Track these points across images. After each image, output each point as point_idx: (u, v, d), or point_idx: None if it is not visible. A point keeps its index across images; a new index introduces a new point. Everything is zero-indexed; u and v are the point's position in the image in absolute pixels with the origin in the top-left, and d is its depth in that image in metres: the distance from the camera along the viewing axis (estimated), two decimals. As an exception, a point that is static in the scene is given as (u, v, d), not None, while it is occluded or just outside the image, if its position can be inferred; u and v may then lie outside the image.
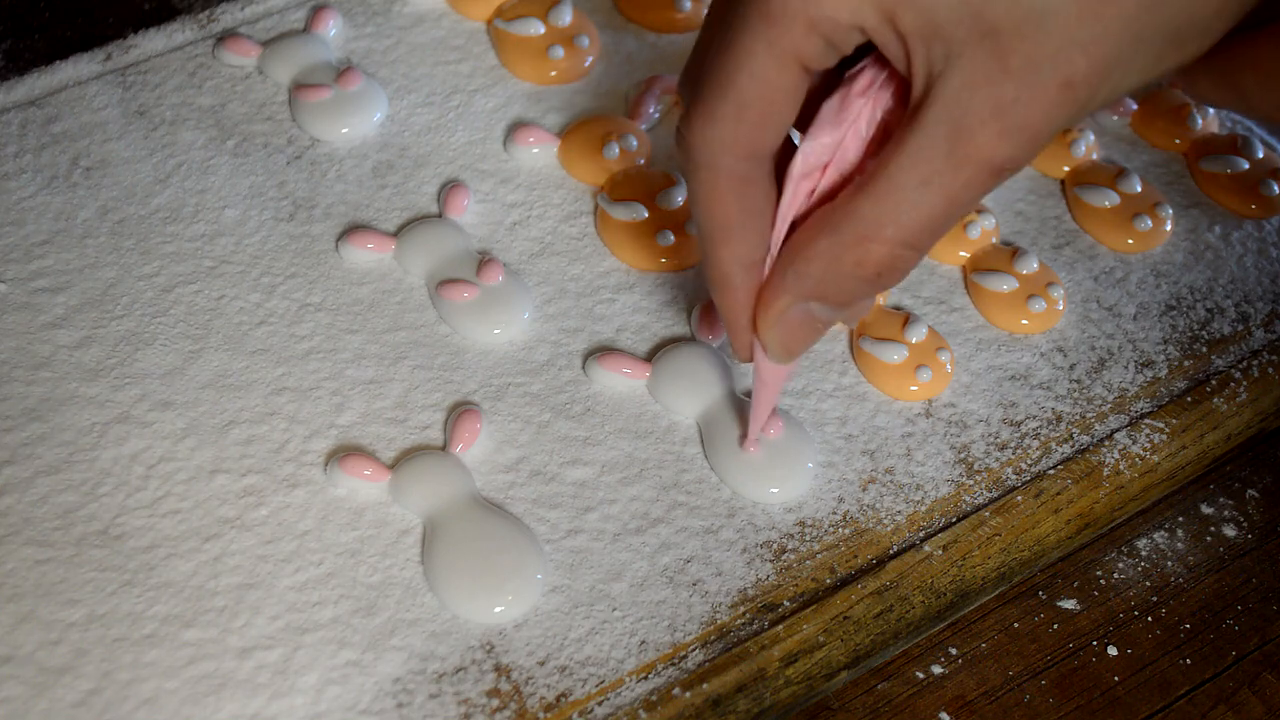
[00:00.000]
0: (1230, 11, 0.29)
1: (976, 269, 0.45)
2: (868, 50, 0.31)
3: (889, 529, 0.39)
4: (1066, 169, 0.48)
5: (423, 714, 0.35)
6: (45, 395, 0.40)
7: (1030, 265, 0.44)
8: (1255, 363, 0.43)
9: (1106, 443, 0.41)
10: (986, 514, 0.40)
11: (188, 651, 0.35)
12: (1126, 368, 0.43)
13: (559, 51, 0.49)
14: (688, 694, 0.36)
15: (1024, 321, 0.44)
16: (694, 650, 0.37)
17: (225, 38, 0.48)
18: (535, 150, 0.47)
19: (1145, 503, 0.42)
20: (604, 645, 0.36)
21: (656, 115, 0.48)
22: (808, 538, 0.39)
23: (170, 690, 0.35)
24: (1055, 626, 0.41)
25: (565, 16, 0.49)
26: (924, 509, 0.40)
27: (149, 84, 0.47)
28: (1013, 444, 0.41)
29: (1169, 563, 0.43)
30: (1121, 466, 0.41)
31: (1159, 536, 0.43)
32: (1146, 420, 0.42)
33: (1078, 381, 0.43)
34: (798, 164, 0.33)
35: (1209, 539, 0.43)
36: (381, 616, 0.36)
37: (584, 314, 0.43)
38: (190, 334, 0.41)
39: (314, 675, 0.35)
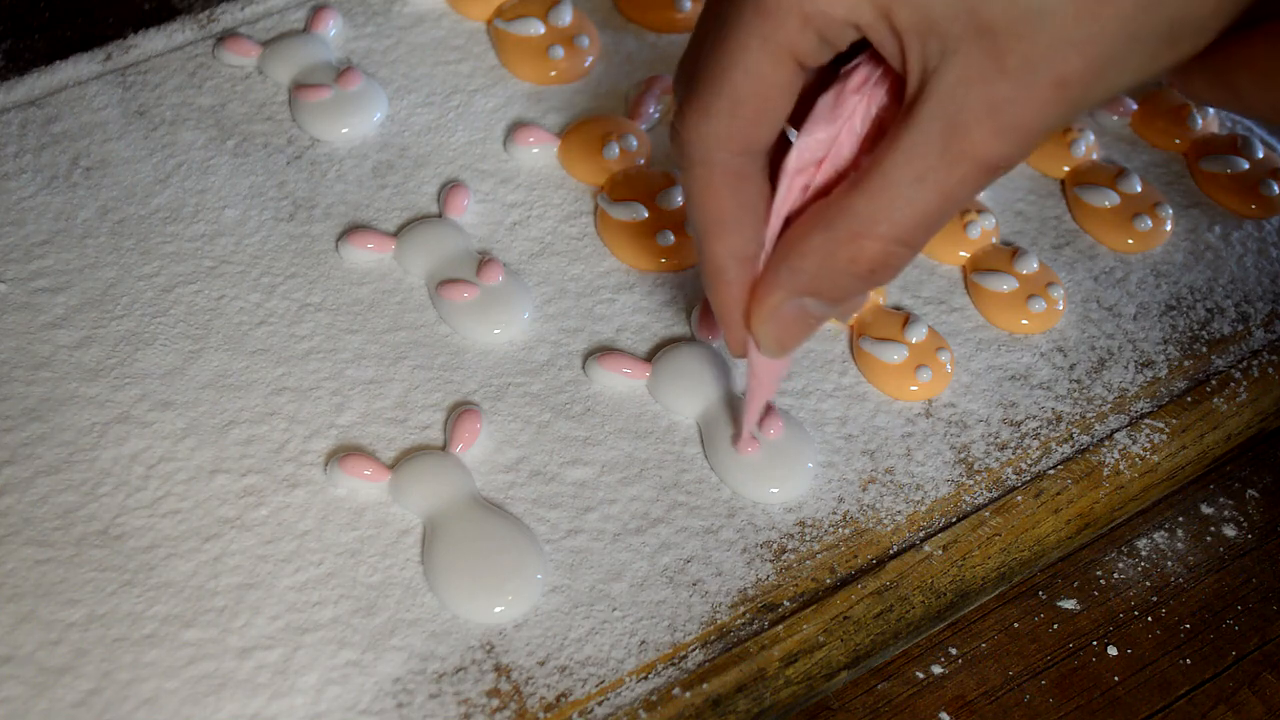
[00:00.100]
0: (1226, 11, 0.29)
1: (976, 269, 0.45)
2: (863, 46, 0.31)
3: (889, 529, 0.39)
4: (1066, 169, 0.48)
5: (423, 714, 0.35)
6: (45, 395, 0.40)
7: (1030, 265, 0.44)
8: (1255, 363, 0.43)
9: (1106, 443, 0.41)
10: (986, 514, 0.40)
11: (188, 651, 0.35)
12: (1126, 368, 0.43)
13: (559, 51, 0.49)
14: (688, 694, 0.36)
15: (1024, 321, 0.44)
16: (694, 650, 0.37)
17: (225, 38, 0.48)
18: (535, 150, 0.47)
19: (1145, 503, 0.42)
20: (604, 645, 0.36)
21: (656, 115, 0.48)
22: (808, 538, 0.39)
23: (170, 690, 0.35)
24: (1055, 626, 0.41)
25: (565, 16, 0.49)
26: (924, 509, 0.40)
27: (149, 84, 0.47)
28: (1013, 444, 0.41)
29: (1169, 563, 0.43)
30: (1121, 466, 0.41)
31: (1159, 536, 0.43)
32: (1146, 420, 0.42)
33: (1078, 381, 0.43)
34: (792, 159, 0.33)
35: (1209, 539, 0.43)
36: (381, 616, 0.36)
37: (584, 314, 0.43)
38: (190, 334, 0.41)
39: (314, 675, 0.35)
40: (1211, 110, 0.50)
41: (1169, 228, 0.46)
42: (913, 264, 0.45)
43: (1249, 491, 0.44)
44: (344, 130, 0.46)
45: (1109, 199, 0.46)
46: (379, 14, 0.50)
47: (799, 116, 0.33)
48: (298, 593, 0.37)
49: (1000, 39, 0.28)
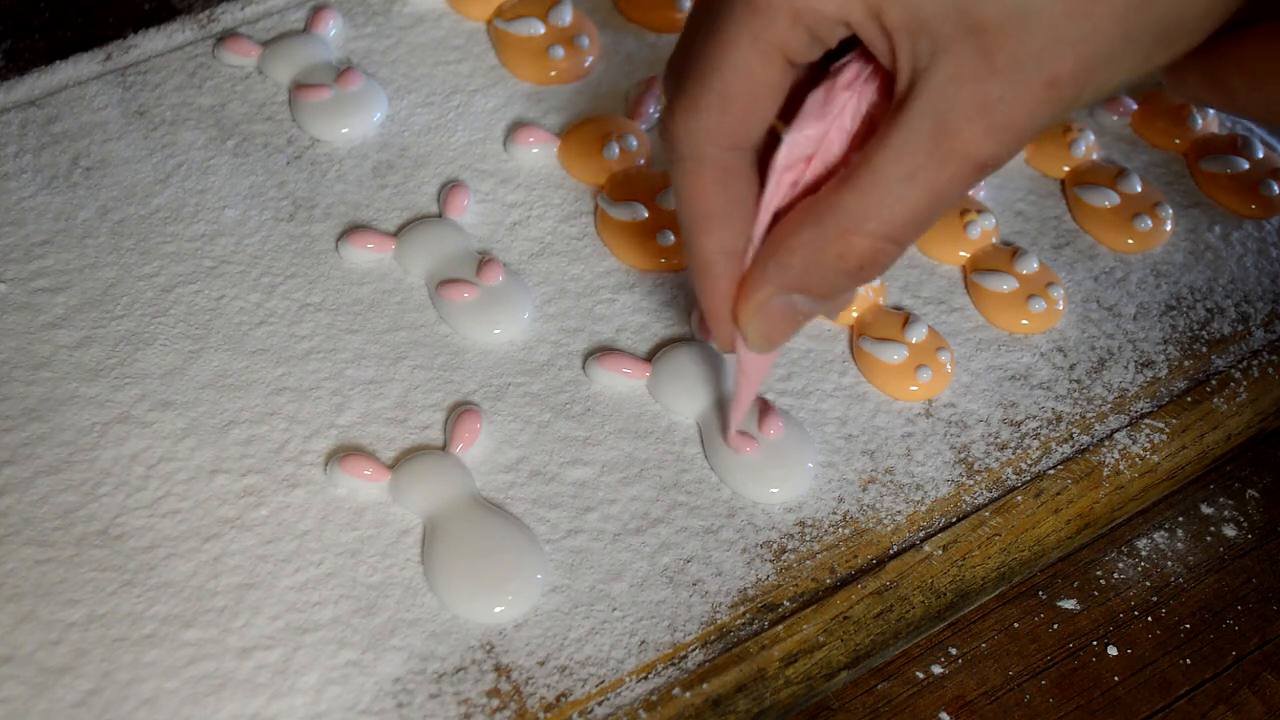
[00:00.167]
0: (1218, 11, 0.29)
1: (976, 269, 0.45)
2: (854, 43, 0.31)
3: (889, 529, 0.39)
4: (1066, 169, 0.48)
5: (423, 714, 0.35)
6: (45, 395, 0.40)
7: (1030, 265, 0.44)
8: (1255, 363, 0.43)
9: (1106, 443, 0.41)
10: (986, 514, 0.40)
11: (188, 651, 0.35)
12: (1126, 368, 0.43)
13: (559, 51, 0.49)
14: (688, 694, 0.36)
15: (1024, 321, 0.44)
16: (694, 650, 0.37)
17: (225, 38, 0.48)
18: (535, 150, 0.47)
19: (1145, 503, 0.42)
20: (604, 645, 0.36)
21: (656, 115, 0.48)
22: (808, 538, 0.39)
23: (170, 690, 0.35)
24: (1055, 626, 0.41)
25: (565, 16, 0.49)
26: (924, 509, 0.40)
27: (149, 84, 0.47)
28: (1013, 444, 0.41)
29: (1169, 563, 0.43)
30: (1121, 466, 0.41)
31: (1159, 536, 0.43)
32: (1146, 420, 0.42)
33: (1078, 381, 0.43)
34: (782, 155, 0.33)
35: (1209, 539, 0.43)
36: (381, 616, 0.36)
37: (584, 314, 0.43)
38: (190, 334, 0.41)
39: (314, 675, 0.35)
40: (1211, 110, 0.50)
41: (1169, 228, 0.46)
42: (913, 264, 0.45)
43: (1249, 491, 0.44)
44: (344, 130, 0.46)
45: (1109, 199, 0.46)
46: (379, 14, 0.50)
47: (789, 113, 0.33)
48: (298, 593, 0.37)
49: (991, 38, 0.28)
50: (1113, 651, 0.41)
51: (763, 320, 0.34)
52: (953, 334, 0.44)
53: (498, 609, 0.37)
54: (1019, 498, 0.40)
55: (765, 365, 0.37)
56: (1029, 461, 0.41)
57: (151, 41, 0.48)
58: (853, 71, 0.32)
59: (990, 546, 0.39)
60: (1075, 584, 0.42)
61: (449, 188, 0.45)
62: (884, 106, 0.32)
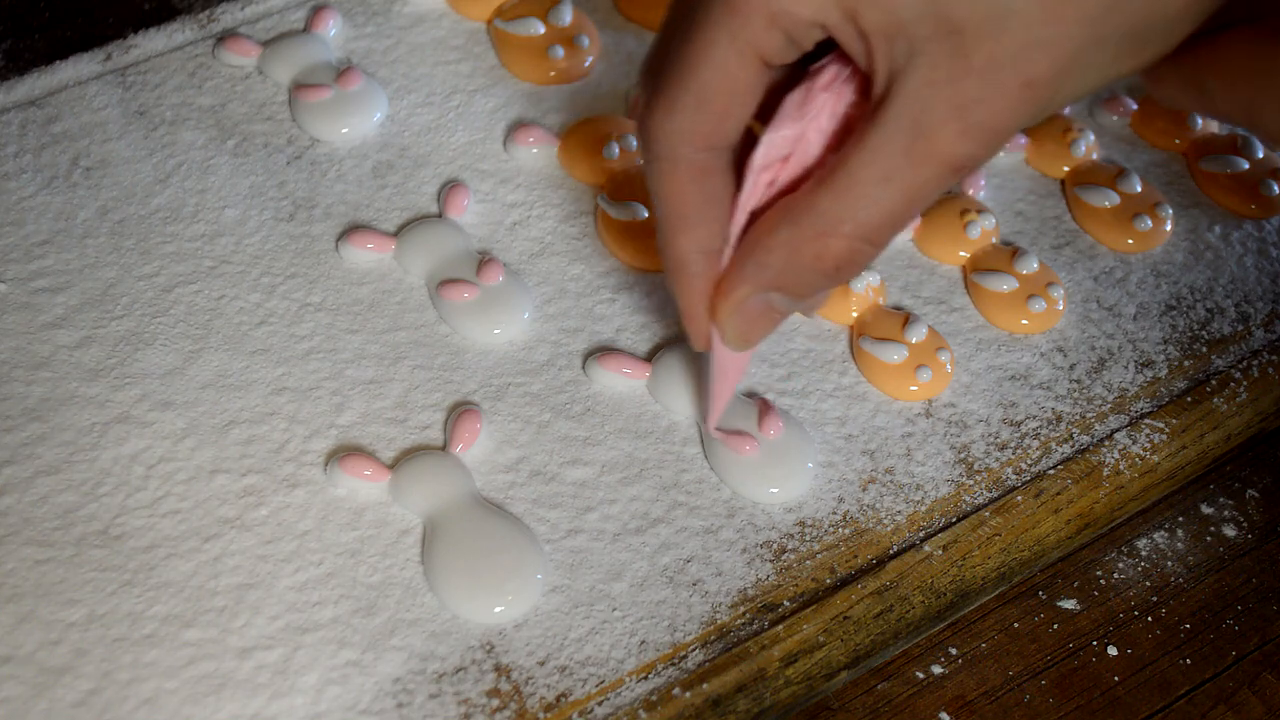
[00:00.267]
0: (1193, 14, 0.29)
1: (976, 269, 0.45)
2: (832, 45, 0.31)
3: (889, 529, 0.39)
4: (1066, 169, 0.48)
5: (423, 714, 0.35)
6: (45, 395, 0.40)
7: (1030, 265, 0.44)
8: (1255, 363, 0.43)
9: (1106, 443, 0.41)
10: (986, 514, 0.40)
11: (188, 651, 0.35)
12: (1126, 368, 0.43)
13: (559, 51, 0.49)
14: (688, 694, 0.36)
15: (1024, 321, 0.44)
16: (694, 650, 0.37)
17: (225, 38, 0.48)
18: (535, 150, 0.47)
19: (1145, 503, 0.42)
20: (604, 645, 0.36)
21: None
22: (808, 538, 0.39)
23: (170, 690, 0.35)
24: (1055, 626, 0.41)
25: (565, 16, 0.49)
26: (924, 509, 0.40)
27: (149, 84, 0.47)
28: (1013, 444, 0.41)
29: (1169, 563, 0.43)
30: (1121, 466, 0.41)
31: (1159, 536, 0.43)
32: (1146, 420, 0.42)
33: (1078, 381, 0.43)
34: (759, 156, 0.33)
35: (1209, 539, 0.43)
36: (381, 616, 0.36)
37: (584, 314, 0.43)
38: (190, 334, 0.41)
39: (314, 675, 0.35)
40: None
41: (1169, 228, 0.46)
42: (913, 264, 0.45)
43: (1249, 491, 0.44)
44: (344, 130, 0.46)
45: (1109, 199, 0.46)
46: (379, 14, 0.50)
47: (766, 114, 0.33)
48: (298, 593, 0.37)
49: (967, 39, 0.28)
50: (1113, 651, 0.41)
51: (740, 319, 0.35)
52: (953, 334, 0.44)
53: (498, 609, 0.37)
54: (1019, 498, 0.40)
55: (742, 363, 0.37)
56: (1029, 461, 0.41)
57: (151, 41, 0.48)
58: (830, 73, 0.32)
59: (990, 546, 0.39)
60: (1075, 584, 0.42)
61: (449, 188, 0.45)
62: (861, 108, 0.32)
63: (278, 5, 0.50)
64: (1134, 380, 0.43)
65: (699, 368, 0.41)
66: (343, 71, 0.47)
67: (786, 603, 0.38)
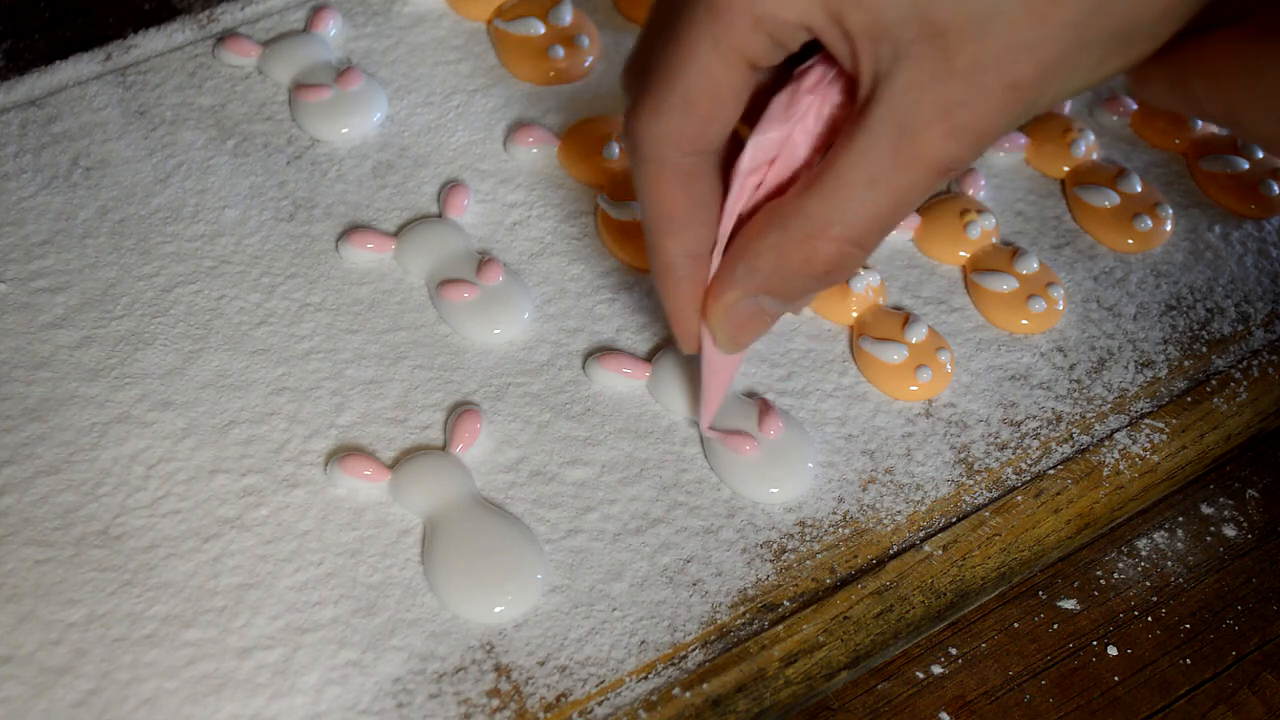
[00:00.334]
0: (1176, 15, 0.29)
1: (976, 269, 0.45)
2: (818, 46, 0.31)
3: (889, 529, 0.39)
4: (1066, 169, 0.48)
5: (423, 714, 0.35)
6: (45, 395, 0.40)
7: (1030, 265, 0.44)
8: (1255, 363, 0.43)
9: (1106, 443, 0.41)
10: (986, 514, 0.40)
11: (188, 651, 0.35)
12: (1126, 368, 0.43)
13: (559, 51, 0.49)
14: (688, 694, 0.36)
15: (1024, 321, 0.44)
16: (694, 650, 0.37)
17: (225, 38, 0.48)
18: (535, 150, 0.47)
19: (1145, 503, 0.42)
20: (604, 645, 0.36)
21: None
22: (808, 538, 0.39)
23: (170, 690, 0.35)
24: (1055, 626, 0.41)
25: (565, 16, 0.49)
26: (924, 509, 0.40)
27: (149, 84, 0.47)
28: (1013, 444, 0.41)
29: (1169, 563, 0.43)
30: (1121, 466, 0.41)
31: (1159, 536, 0.43)
32: (1146, 420, 0.42)
33: (1078, 381, 0.43)
34: (746, 159, 0.33)
35: (1209, 539, 0.43)
36: (381, 616, 0.36)
37: (584, 314, 0.43)
38: (190, 334, 0.41)
39: (314, 675, 0.35)
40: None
41: (1169, 228, 0.46)
42: (913, 264, 0.45)
43: (1249, 491, 0.44)
44: (344, 130, 0.46)
45: (1109, 199, 0.46)
46: (379, 14, 0.50)
47: (752, 116, 0.33)
48: (298, 593, 0.37)
49: (951, 42, 0.28)
50: (1113, 651, 0.41)
51: (731, 322, 0.35)
52: (953, 334, 0.44)
53: (498, 609, 0.37)
54: (1019, 498, 0.40)
55: (734, 363, 0.37)
56: (1029, 461, 0.41)
57: (151, 41, 0.48)
58: (816, 75, 0.32)
59: (990, 546, 0.39)
60: (1075, 584, 0.42)
61: (449, 188, 0.45)
62: (847, 108, 0.32)
63: (278, 5, 0.50)
64: (1134, 380, 0.43)
65: (694, 369, 0.41)
66: (343, 71, 0.47)
67: (786, 603, 0.38)
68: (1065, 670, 0.40)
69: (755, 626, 0.37)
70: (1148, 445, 0.41)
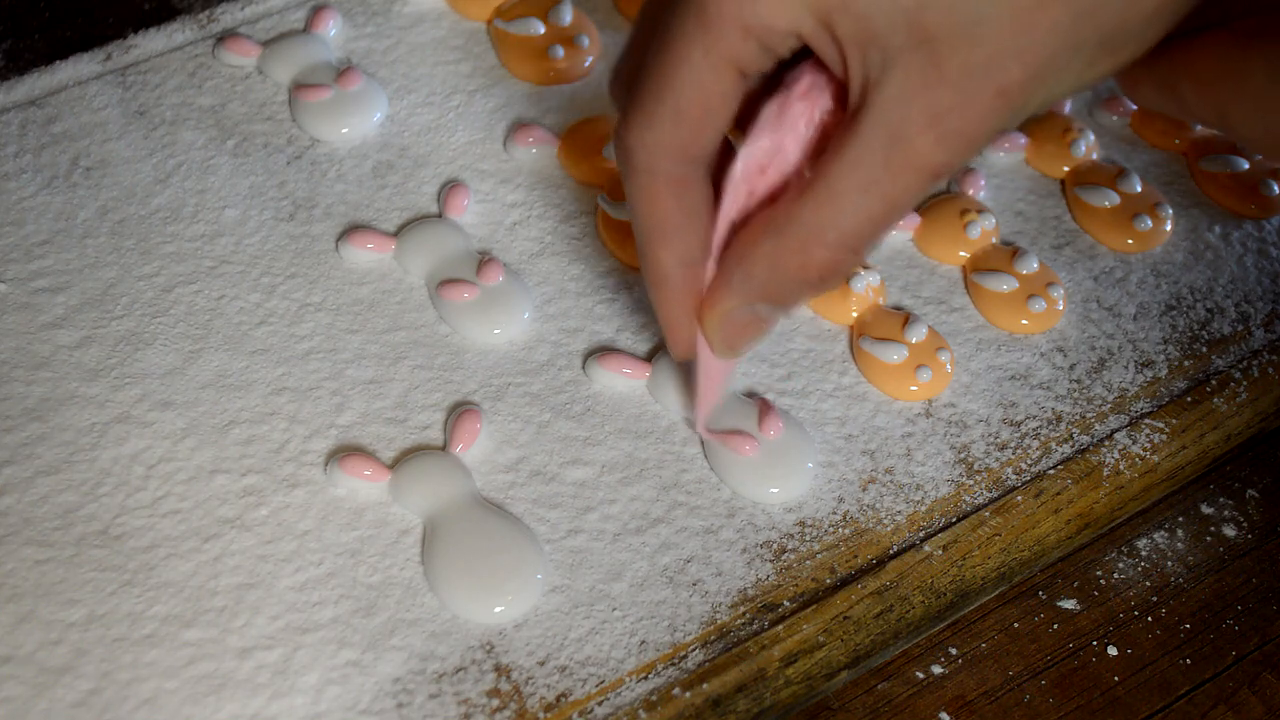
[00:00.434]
0: (1163, 19, 0.29)
1: (976, 269, 0.45)
2: (808, 52, 0.31)
3: (889, 529, 0.39)
4: (1066, 169, 0.48)
5: (423, 714, 0.35)
6: (45, 395, 0.40)
7: (1030, 265, 0.44)
8: (1255, 363, 0.43)
9: (1106, 443, 0.41)
10: (986, 514, 0.40)
11: (188, 651, 0.35)
12: (1126, 368, 0.43)
13: (559, 51, 0.49)
14: (688, 694, 0.36)
15: (1024, 321, 0.44)
16: (694, 650, 0.37)
17: (225, 38, 0.48)
18: (535, 150, 0.47)
19: (1145, 503, 0.42)
20: (604, 645, 0.36)
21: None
22: (808, 538, 0.39)
23: (170, 690, 0.35)
24: (1055, 626, 0.41)
25: (565, 16, 0.49)
26: (924, 509, 0.40)
27: (149, 84, 0.47)
28: (1013, 444, 0.41)
29: (1169, 563, 0.43)
30: (1121, 466, 0.41)
31: (1159, 536, 0.43)
32: (1146, 420, 0.42)
33: (1078, 381, 0.43)
34: (738, 167, 0.33)
35: (1209, 539, 0.43)
36: (381, 616, 0.36)
37: (584, 314, 0.43)
38: (190, 334, 0.41)
39: (314, 675, 0.35)
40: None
41: (1169, 228, 0.46)
42: (913, 264, 0.45)
43: (1249, 491, 0.44)
44: (344, 130, 0.46)
45: (1109, 199, 0.46)
46: (379, 14, 0.50)
47: (743, 122, 0.33)
48: (298, 593, 0.37)
49: (941, 48, 0.28)
50: (1113, 651, 0.41)
51: (728, 329, 0.35)
52: (953, 334, 0.44)
53: (498, 609, 0.37)
54: (1019, 498, 0.40)
55: (729, 368, 0.38)
56: (1029, 461, 0.41)
57: (151, 41, 0.48)
58: (806, 82, 0.32)
59: (990, 546, 0.39)
60: (1075, 584, 0.42)
61: (449, 188, 0.45)
62: (838, 114, 0.32)
63: (278, 5, 0.50)
64: (1134, 380, 0.43)
65: (688, 371, 0.41)
66: (343, 71, 0.47)
67: (786, 603, 0.38)
68: (1065, 670, 0.40)
69: (755, 626, 0.37)
70: (1148, 445, 0.41)
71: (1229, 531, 0.43)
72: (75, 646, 0.35)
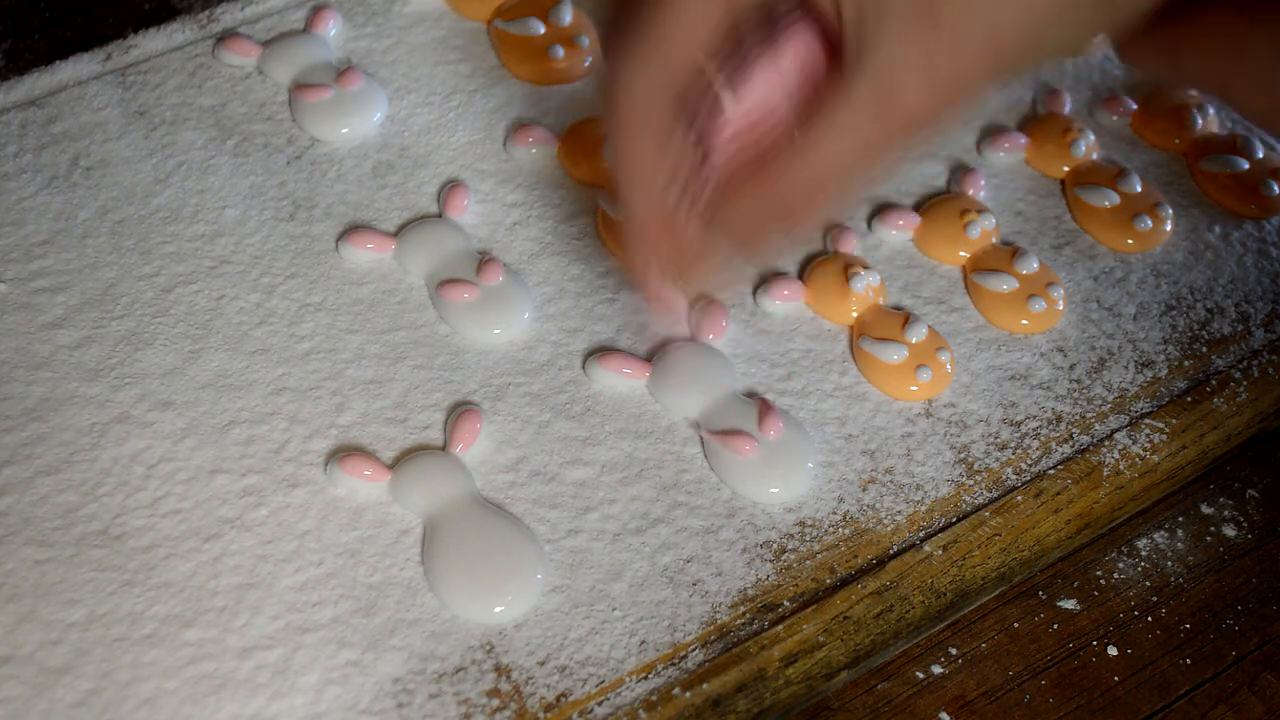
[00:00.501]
0: None
1: (976, 269, 0.45)
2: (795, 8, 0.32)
3: (889, 529, 0.39)
4: (1066, 169, 0.48)
5: (423, 714, 0.35)
6: (45, 395, 0.40)
7: (1030, 265, 0.44)
8: (1255, 363, 0.43)
9: (1106, 443, 0.41)
10: (986, 514, 0.40)
11: (188, 651, 0.35)
12: (1126, 368, 0.43)
13: (559, 51, 0.49)
14: (688, 694, 0.36)
15: (1024, 321, 0.44)
16: (694, 650, 0.37)
17: (225, 38, 0.48)
18: (535, 150, 0.47)
19: (1145, 503, 0.42)
20: (604, 645, 0.36)
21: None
22: (808, 538, 0.39)
23: (170, 690, 0.35)
24: (1055, 626, 0.41)
25: (565, 16, 0.49)
26: (924, 509, 0.40)
27: (149, 84, 0.47)
28: (1013, 444, 0.41)
29: (1169, 563, 0.43)
30: (1121, 466, 0.41)
31: (1159, 536, 0.43)
32: (1146, 420, 0.42)
33: (1078, 381, 0.43)
34: (727, 120, 0.33)
35: (1209, 539, 0.43)
36: (381, 616, 0.36)
37: (584, 314, 0.43)
38: (190, 334, 0.41)
39: (314, 675, 0.35)
40: (1211, 110, 0.50)
41: (1169, 228, 0.46)
42: (913, 264, 0.45)
43: (1249, 491, 0.44)
44: (344, 130, 0.46)
45: (1109, 199, 0.46)
46: (379, 14, 0.50)
47: (731, 68, 0.33)
48: (298, 593, 0.37)
49: (940, 6, 0.28)
50: (1113, 651, 0.41)
51: (703, 275, 0.36)
52: (953, 334, 0.44)
53: (498, 609, 0.37)
54: (1019, 498, 0.40)
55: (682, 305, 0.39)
56: (1029, 461, 0.41)
57: (151, 41, 0.48)
58: (798, 35, 0.32)
59: (990, 546, 0.39)
60: (1075, 584, 0.42)
61: (449, 188, 0.45)
62: (827, 64, 0.32)
63: (278, 5, 0.50)
64: (1134, 380, 0.43)
65: (691, 370, 0.41)
66: (343, 71, 0.47)
67: (786, 603, 0.38)
68: (1065, 670, 0.40)
69: (755, 626, 0.37)
70: (1148, 445, 0.41)
71: (1229, 531, 0.43)
72: (75, 646, 0.35)
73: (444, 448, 0.40)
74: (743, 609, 0.37)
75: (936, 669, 0.40)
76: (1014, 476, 0.41)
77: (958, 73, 0.29)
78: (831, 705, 0.39)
